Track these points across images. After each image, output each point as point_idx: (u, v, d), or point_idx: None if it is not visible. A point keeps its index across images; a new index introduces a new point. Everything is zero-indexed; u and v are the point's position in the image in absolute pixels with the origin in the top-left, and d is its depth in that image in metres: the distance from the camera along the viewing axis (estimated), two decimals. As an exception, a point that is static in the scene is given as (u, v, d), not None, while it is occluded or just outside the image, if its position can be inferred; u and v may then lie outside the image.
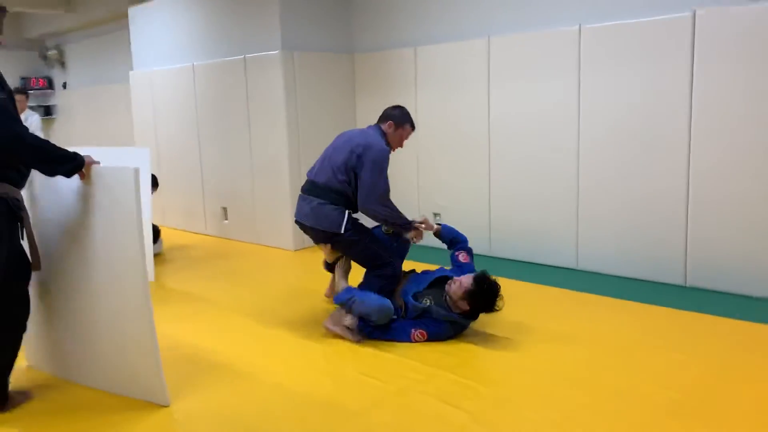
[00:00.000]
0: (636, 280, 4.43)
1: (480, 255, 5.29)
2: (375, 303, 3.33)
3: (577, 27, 4.48)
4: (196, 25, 6.38)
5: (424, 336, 3.36)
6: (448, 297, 3.41)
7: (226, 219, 6.42)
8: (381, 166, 3.44)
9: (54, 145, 2.64)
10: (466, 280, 3.35)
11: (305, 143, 5.71)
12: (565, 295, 4.21)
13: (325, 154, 3.68)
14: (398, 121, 3.63)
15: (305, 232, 3.69)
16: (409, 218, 3.62)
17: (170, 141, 6.89)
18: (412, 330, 3.37)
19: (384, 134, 3.62)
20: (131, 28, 7.23)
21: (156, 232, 5.49)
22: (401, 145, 3.72)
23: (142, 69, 7.15)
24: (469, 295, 3.31)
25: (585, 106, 4.53)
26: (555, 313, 3.83)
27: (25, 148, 2.57)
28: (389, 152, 3.56)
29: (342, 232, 3.47)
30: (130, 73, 7.30)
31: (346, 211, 3.49)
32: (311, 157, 5.74)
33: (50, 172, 2.65)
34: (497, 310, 3.35)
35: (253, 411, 2.69)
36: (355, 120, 6.08)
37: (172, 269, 5.28)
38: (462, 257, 3.73)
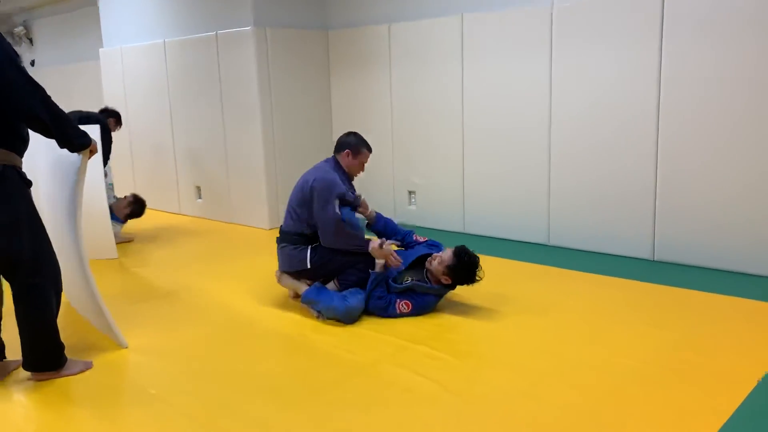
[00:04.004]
0: (605, 254, 4.50)
1: (454, 232, 5.36)
2: (340, 309, 3.34)
3: (549, 4, 4.50)
4: (167, 1, 6.27)
5: (408, 306, 3.39)
6: (429, 274, 3.47)
7: (200, 198, 6.38)
8: (325, 199, 3.45)
9: (70, 118, 2.70)
10: (446, 255, 3.41)
11: (279, 121, 5.68)
12: (536, 269, 4.27)
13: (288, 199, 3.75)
14: (354, 148, 3.66)
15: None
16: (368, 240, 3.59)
17: (142, 119, 6.79)
18: (397, 300, 3.40)
19: (339, 165, 3.65)
20: (100, 3, 7.07)
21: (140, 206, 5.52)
22: (362, 170, 3.76)
23: (113, 46, 7.01)
24: (451, 269, 3.37)
25: (557, 84, 4.56)
26: (526, 287, 3.89)
27: (52, 116, 2.59)
28: (334, 182, 3.50)
29: (309, 267, 3.56)
30: (101, 50, 7.16)
31: (309, 247, 3.55)
32: (285, 135, 5.76)
33: (65, 143, 2.69)
34: (478, 281, 3.42)
35: (227, 385, 2.71)
36: (330, 98, 6.04)
37: (145, 250, 5.24)
38: (419, 238, 3.81)
